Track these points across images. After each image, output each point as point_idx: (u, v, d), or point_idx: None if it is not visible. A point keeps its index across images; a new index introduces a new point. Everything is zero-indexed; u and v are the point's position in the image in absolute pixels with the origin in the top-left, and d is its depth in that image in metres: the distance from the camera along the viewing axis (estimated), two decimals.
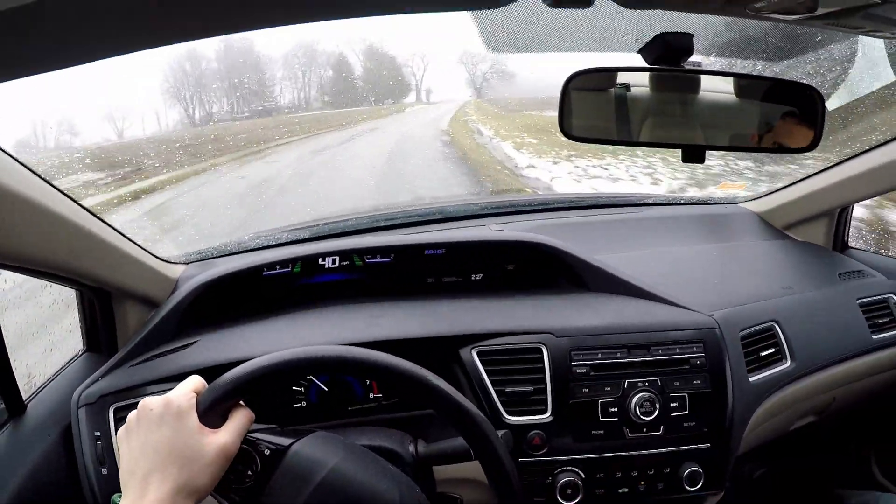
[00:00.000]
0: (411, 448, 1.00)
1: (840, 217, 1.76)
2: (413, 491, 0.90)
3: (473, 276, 1.55)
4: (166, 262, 1.55)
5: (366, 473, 0.86)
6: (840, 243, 1.78)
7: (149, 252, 1.45)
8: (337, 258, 1.50)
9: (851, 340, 1.50)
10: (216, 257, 1.71)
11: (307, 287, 1.53)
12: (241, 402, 0.80)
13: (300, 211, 6.05)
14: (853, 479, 1.85)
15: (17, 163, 0.95)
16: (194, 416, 0.74)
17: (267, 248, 1.72)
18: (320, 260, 1.50)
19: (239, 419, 0.77)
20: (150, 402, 0.77)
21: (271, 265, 1.47)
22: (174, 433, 0.73)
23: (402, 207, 1.86)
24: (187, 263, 1.66)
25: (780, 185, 1.86)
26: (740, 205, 1.92)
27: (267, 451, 0.81)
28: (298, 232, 1.76)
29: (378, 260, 1.52)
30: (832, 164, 1.71)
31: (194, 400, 0.76)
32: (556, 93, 0.91)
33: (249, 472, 0.80)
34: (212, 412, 0.76)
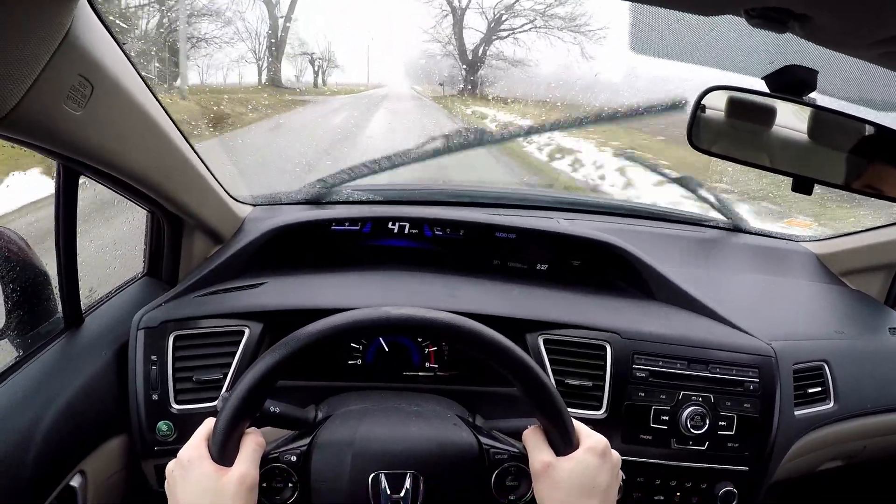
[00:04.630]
0: (470, 420, 1.01)
1: None
2: (446, 420, 0.94)
3: (539, 265, 1.57)
4: (236, 200, 1.58)
5: (394, 428, 0.91)
6: (894, 299, 1.79)
7: (224, 188, 1.47)
8: (407, 225, 1.52)
9: (894, 394, 1.51)
10: (284, 204, 1.74)
11: (373, 248, 1.56)
12: (248, 429, 0.82)
13: None
14: None
15: (137, 73, 0.97)
16: (207, 463, 0.76)
17: (336, 204, 1.75)
18: (390, 224, 1.52)
19: (248, 446, 0.79)
20: (169, 466, 0.80)
21: (341, 220, 1.50)
22: (192, 484, 0.76)
23: (474, 186, 1.87)
24: (254, 205, 1.69)
25: (844, 231, 1.86)
26: (801, 243, 1.93)
27: (294, 458, 0.85)
28: (370, 193, 1.78)
29: (447, 234, 1.54)
30: None
31: (204, 448, 0.78)
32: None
33: (290, 484, 0.84)
34: (225, 450, 0.77)
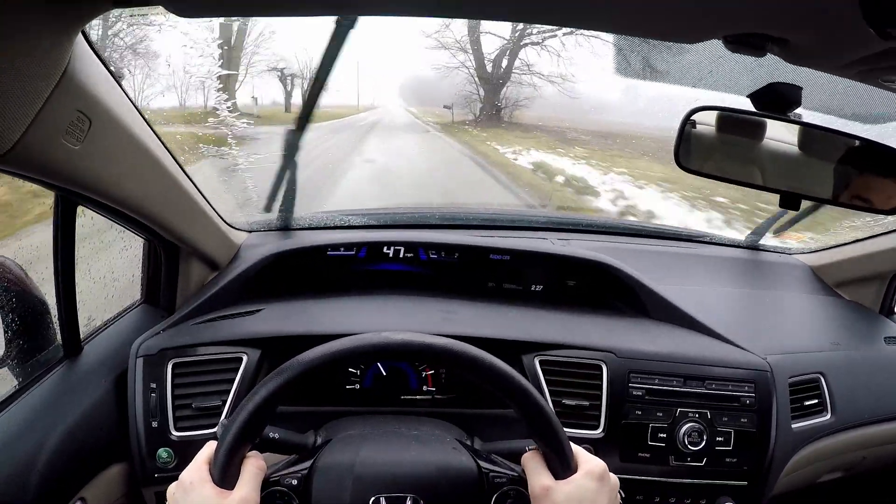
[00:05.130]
0: (468, 443, 1.01)
1: (892, 282, 1.78)
2: (445, 444, 0.95)
3: (534, 286, 1.58)
4: (231, 226, 1.59)
5: (394, 452, 0.92)
6: (888, 308, 1.80)
7: (219, 215, 1.49)
8: (402, 249, 1.54)
9: (891, 403, 1.52)
10: (279, 230, 1.75)
11: (368, 273, 1.57)
12: (249, 453, 0.82)
13: None
14: None
15: (133, 106, 0.99)
16: (208, 486, 0.77)
17: (331, 229, 1.76)
18: (385, 248, 1.54)
19: (249, 470, 0.80)
20: (170, 488, 0.80)
21: (336, 246, 1.51)
22: None
23: (468, 209, 1.89)
24: (250, 231, 1.70)
25: (836, 241, 1.88)
26: (795, 256, 1.94)
27: (294, 481, 0.85)
28: (364, 217, 1.80)
29: (442, 257, 1.55)
30: (891, 229, 1.73)
31: (206, 471, 0.79)
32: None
33: None
34: (226, 475, 0.78)
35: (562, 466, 0.81)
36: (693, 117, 0.96)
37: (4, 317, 1.11)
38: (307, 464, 0.88)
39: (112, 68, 0.88)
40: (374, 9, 0.72)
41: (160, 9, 0.62)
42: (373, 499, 0.84)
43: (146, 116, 1.03)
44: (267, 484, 0.83)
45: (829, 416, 1.43)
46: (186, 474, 0.79)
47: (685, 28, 0.64)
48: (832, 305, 1.76)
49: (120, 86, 0.91)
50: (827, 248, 1.90)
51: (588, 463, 0.82)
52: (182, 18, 0.67)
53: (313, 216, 1.82)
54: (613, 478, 0.84)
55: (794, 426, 1.36)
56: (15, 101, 0.67)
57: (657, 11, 0.61)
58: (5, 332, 1.10)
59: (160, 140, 1.10)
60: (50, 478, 1.00)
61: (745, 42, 0.64)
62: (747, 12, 0.59)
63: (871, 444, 1.51)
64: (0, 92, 0.64)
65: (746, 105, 0.92)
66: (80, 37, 0.76)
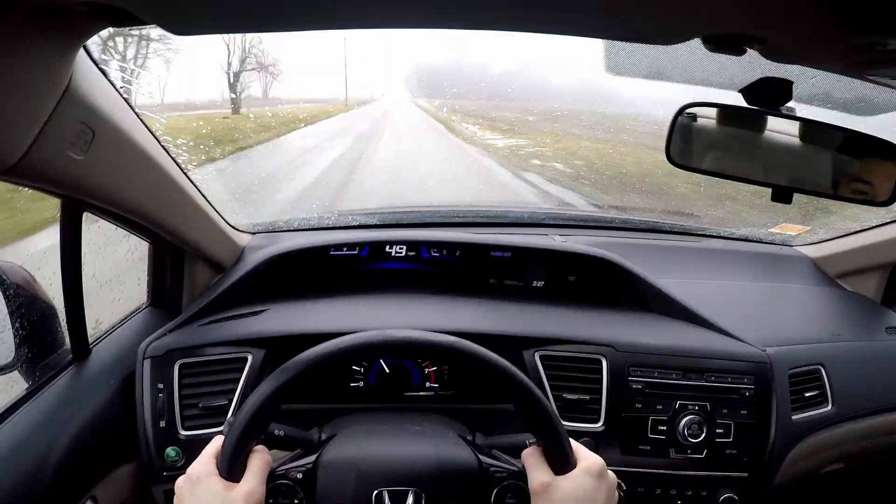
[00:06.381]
0: (469, 438, 1.03)
1: (893, 272, 1.78)
2: (447, 439, 0.96)
3: (535, 282, 1.59)
4: (235, 228, 1.61)
5: (397, 447, 0.94)
6: (890, 298, 1.80)
7: (223, 218, 1.51)
8: (404, 248, 1.55)
9: (892, 394, 1.52)
10: (282, 231, 1.77)
11: (371, 272, 1.58)
12: (256, 447, 0.84)
13: None
14: None
15: (135, 114, 1.01)
16: (215, 479, 0.79)
17: (334, 229, 1.78)
18: (387, 247, 1.55)
19: (255, 463, 0.82)
20: (178, 481, 0.82)
21: (339, 246, 1.53)
22: (200, 499, 0.78)
23: (469, 207, 1.90)
24: (254, 233, 1.72)
25: (838, 233, 1.88)
26: (796, 247, 1.95)
27: (299, 475, 0.88)
28: (366, 217, 1.81)
29: (444, 255, 1.57)
30: (891, 219, 1.73)
31: (213, 464, 0.81)
32: None
33: (295, 500, 0.87)
34: (233, 468, 0.80)
35: (561, 462, 0.83)
36: (692, 111, 0.97)
37: (13, 322, 1.13)
38: (312, 458, 0.89)
39: (113, 80, 0.90)
40: (373, 22, 0.73)
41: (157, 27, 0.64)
42: (376, 492, 0.86)
43: (148, 124, 1.05)
44: (272, 477, 0.85)
45: (829, 407, 1.43)
46: (194, 468, 0.81)
47: (664, 30, 0.65)
48: (833, 296, 1.77)
49: (121, 95, 0.94)
50: (828, 240, 1.91)
51: (587, 460, 0.84)
52: (178, 37, 0.69)
53: (315, 217, 1.84)
54: (611, 475, 0.85)
55: (794, 417, 1.37)
56: (21, 117, 0.69)
57: (635, 14, 0.62)
58: (14, 336, 1.13)
59: (163, 147, 1.12)
60: (61, 478, 1.02)
61: (724, 42, 0.65)
62: (724, 13, 0.60)
63: (873, 434, 1.52)
64: (6, 108, 0.66)
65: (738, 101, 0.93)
66: (81, 52, 0.79)
